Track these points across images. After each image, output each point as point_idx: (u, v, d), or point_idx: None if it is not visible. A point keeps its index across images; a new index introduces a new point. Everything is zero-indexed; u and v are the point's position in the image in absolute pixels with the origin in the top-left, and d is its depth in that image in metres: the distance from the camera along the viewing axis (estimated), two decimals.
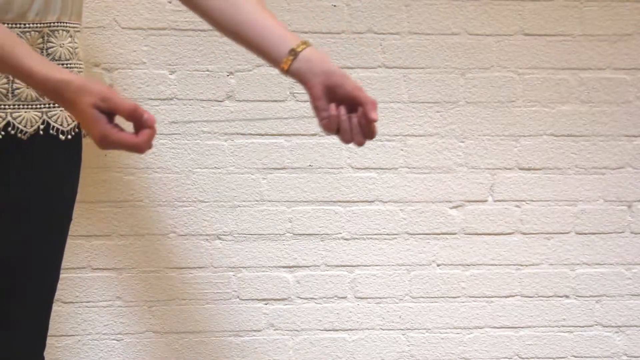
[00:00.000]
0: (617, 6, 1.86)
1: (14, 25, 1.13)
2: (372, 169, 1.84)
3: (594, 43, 1.86)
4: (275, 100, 1.80)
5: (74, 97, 0.99)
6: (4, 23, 1.11)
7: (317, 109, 1.18)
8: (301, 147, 1.82)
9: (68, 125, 1.20)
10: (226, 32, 1.23)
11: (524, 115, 1.86)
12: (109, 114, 1.00)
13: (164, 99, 1.78)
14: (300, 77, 1.18)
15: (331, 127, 1.16)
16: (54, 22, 1.17)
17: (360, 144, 1.17)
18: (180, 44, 1.78)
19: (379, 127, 1.81)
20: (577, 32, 1.86)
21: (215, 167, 1.80)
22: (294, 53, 1.17)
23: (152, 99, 1.77)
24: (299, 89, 1.80)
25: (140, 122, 1.00)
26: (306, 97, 1.84)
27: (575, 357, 1.91)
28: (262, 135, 1.81)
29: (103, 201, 1.78)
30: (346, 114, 1.15)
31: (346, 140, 1.17)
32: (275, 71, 1.78)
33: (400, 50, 1.82)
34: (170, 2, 1.77)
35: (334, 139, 1.81)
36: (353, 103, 1.15)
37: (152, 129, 1.01)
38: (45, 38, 1.17)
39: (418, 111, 1.84)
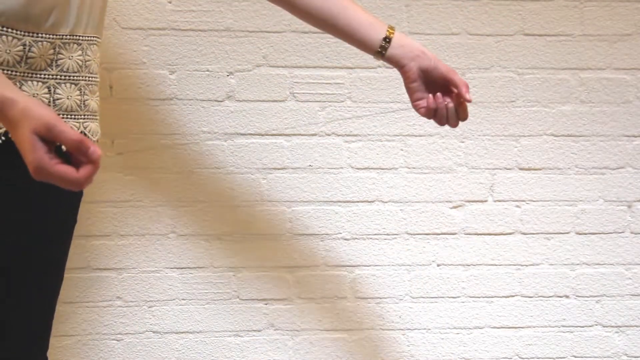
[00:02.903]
0: (617, 6, 1.86)
1: (26, 34, 1.12)
2: (372, 169, 1.84)
3: (594, 43, 1.86)
4: (275, 100, 1.80)
5: (17, 118, 0.94)
6: (17, 30, 1.11)
7: (411, 90, 1.28)
8: (301, 147, 1.82)
9: None
10: (315, 21, 1.31)
11: (524, 115, 1.86)
12: (52, 142, 0.93)
13: (164, 99, 1.78)
14: (395, 62, 1.28)
15: (428, 113, 1.27)
16: (66, 35, 1.16)
17: (454, 126, 1.28)
18: (180, 44, 1.78)
19: (379, 126, 1.83)
20: (577, 32, 1.86)
21: (215, 167, 1.80)
22: (388, 40, 1.27)
23: (152, 99, 1.78)
24: (299, 89, 1.81)
25: (85, 156, 0.93)
26: (306, 97, 1.85)
27: (575, 357, 1.91)
28: (262, 135, 1.81)
29: (103, 201, 1.78)
30: (443, 101, 1.25)
31: (441, 123, 1.27)
32: (275, 71, 1.80)
33: None
34: (170, 2, 1.77)
35: (334, 139, 1.82)
36: (446, 84, 1.26)
37: (95, 164, 0.94)
38: (57, 50, 1.16)
39: None
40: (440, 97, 1.26)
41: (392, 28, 1.28)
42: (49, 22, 1.13)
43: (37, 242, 1.19)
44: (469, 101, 1.24)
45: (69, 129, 0.93)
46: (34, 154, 0.93)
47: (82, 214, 1.74)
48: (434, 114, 1.27)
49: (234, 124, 1.80)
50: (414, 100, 1.29)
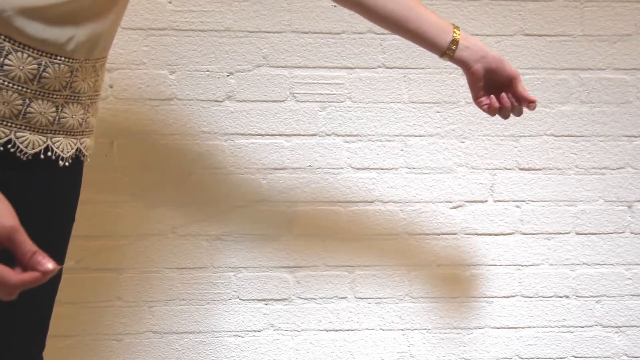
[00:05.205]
0: (617, 6, 1.86)
1: (43, 54, 1.11)
2: (372, 169, 1.84)
3: (594, 43, 1.86)
4: (275, 100, 1.80)
5: None
6: (33, 49, 1.10)
7: (475, 89, 1.36)
8: (301, 147, 1.82)
9: (68, 152, 1.19)
10: (386, 24, 1.35)
11: (524, 115, 1.86)
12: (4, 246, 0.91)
13: (164, 99, 1.78)
14: (461, 63, 1.34)
15: (491, 111, 1.36)
16: (84, 60, 1.16)
17: (506, 118, 1.38)
18: (180, 44, 1.78)
19: (379, 127, 1.82)
20: (577, 32, 1.86)
21: (215, 167, 1.80)
22: (455, 43, 1.32)
23: (152, 99, 1.78)
24: (299, 89, 1.81)
25: (35, 268, 0.92)
26: (306, 97, 1.84)
27: (575, 357, 1.91)
28: (262, 135, 1.81)
29: (103, 201, 1.78)
30: (508, 101, 1.35)
31: (502, 117, 1.38)
32: (275, 71, 1.80)
33: (400, 50, 1.82)
34: (170, 2, 1.77)
35: (334, 139, 1.82)
36: (507, 85, 1.35)
37: (43, 276, 0.93)
38: (74, 73, 1.16)
39: (418, 111, 1.84)
40: (504, 97, 1.34)
41: (457, 29, 1.33)
42: (70, 47, 1.13)
43: (37, 242, 1.19)
44: (531, 109, 1.35)
45: (27, 240, 0.92)
46: None
47: (82, 214, 1.75)
48: (497, 111, 1.36)
49: (234, 124, 1.80)
50: (477, 98, 1.37)
